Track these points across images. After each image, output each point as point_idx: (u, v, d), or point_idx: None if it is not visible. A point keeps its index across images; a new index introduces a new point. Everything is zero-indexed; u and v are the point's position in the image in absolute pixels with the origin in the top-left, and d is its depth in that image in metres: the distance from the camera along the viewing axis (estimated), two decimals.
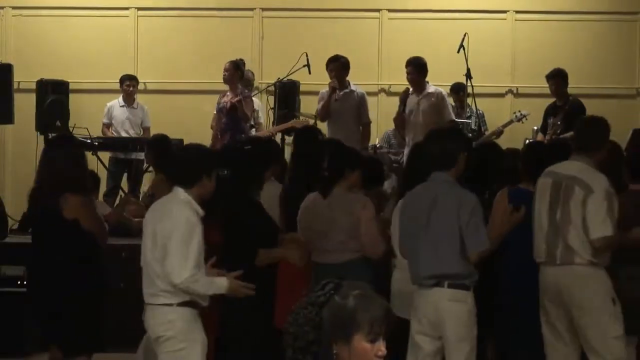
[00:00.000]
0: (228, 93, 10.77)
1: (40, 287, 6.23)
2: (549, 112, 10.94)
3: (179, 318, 5.38)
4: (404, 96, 10.50)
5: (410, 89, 10.53)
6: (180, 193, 5.49)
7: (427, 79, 10.56)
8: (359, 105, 10.61)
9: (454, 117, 10.82)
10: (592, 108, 11.00)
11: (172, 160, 5.96)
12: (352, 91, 10.64)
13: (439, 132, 6.29)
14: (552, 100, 11.02)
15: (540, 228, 6.08)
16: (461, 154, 5.84)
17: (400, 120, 10.54)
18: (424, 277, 5.70)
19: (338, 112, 10.44)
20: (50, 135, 11.48)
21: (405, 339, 5.86)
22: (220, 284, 5.38)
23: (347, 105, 10.53)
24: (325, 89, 10.66)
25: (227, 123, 10.67)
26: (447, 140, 5.92)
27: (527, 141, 11.40)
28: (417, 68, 10.42)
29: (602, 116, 6.38)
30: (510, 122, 11.15)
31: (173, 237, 5.31)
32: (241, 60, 11.03)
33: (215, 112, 10.93)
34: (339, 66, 10.55)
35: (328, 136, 10.22)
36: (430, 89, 10.49)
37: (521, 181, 6.56)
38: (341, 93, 10.54)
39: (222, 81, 10.88)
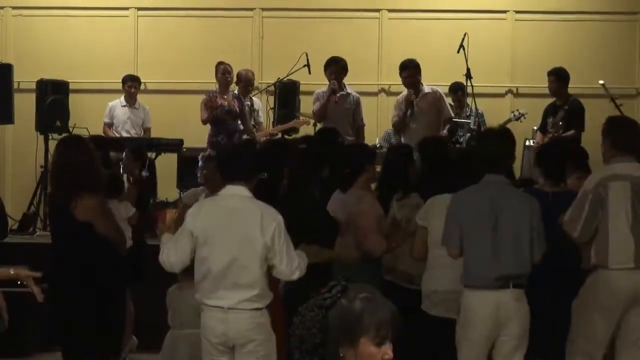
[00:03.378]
0: (221, 95, 10.73)
1: (56, 291, 6.14)
2: (549, 111, 10.94)
3: (267, 321, 5.47)
4: (409, 99, 10.36)
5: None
6: (244, 191, 5.51)
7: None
8: (355, 108, 10.63)
9: (452, 115, 10.82)
10: (592, 108, 11.02)
11: (228, 156, 5.77)
12: (348, 94, 10.65)
13: (493, 133, 6.26)
14: (551, 100, 11.02)
15: (619, 234, 5.98)
16: (513, 157, 5.95)
17: (404, 124, 10.44)
18: (494, 279, 5.66)
19: (334, 113, 10.44)
20: (51, 136, 11.51)
21: (438, 336, 5.96)
22: (302, 255, 5.57)
23: (342, 108, 10.53)
24: (320, 89, 10.65)
25: (235, 125, 10.68)
26: (503, 142, 5.92)
27: (529, 142, 11.43)
28: (413, 70, 10.40)
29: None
30: (509, 120, 11.14)
31: (278, 236, 5.40)
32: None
33: (205, 108, 10.78)
34: (339, 68, 10.54)
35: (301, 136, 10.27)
36: (426, 89, 10.48)
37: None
38: (338, 95, 10.55)
39: (223, 83, 10.80)
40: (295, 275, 5.44)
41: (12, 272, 5.13)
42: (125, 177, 8.93)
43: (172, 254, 5.59)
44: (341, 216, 6.41)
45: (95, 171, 6.09)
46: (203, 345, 5.57)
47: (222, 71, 10.84)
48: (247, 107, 11.00)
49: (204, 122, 10.72)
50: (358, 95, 10.81)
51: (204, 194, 7.84)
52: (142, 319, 8.29)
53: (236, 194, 5.52)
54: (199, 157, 8.56)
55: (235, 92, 11.07)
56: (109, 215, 6.18)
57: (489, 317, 5.67)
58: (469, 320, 5.74)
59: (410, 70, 10.41)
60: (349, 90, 10.68)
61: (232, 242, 5.42)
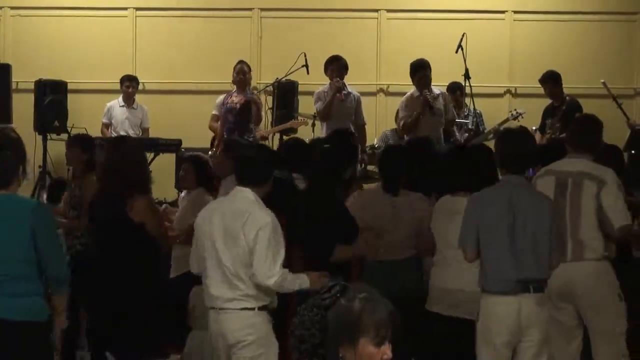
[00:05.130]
0: (235, 93, 10.72)
1: (103, 291, 6.13)
2: (548, 112, 10.95)
3: (261, 322, 5.42)
4: (426, 99, 10.18)
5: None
6: (249, 193, 5.52)
7: None
8: (356, 107, 10.60)
9: (456, 117, 10.78)
10: (590, 108, 10.99)
11: (243, 160, 5.78)
12: (349, 93, 10.61)
13: (513, 133, 6.11)
14: (550, 100, 11.04)
15: None
16: (534, 156, 5.89)
17: (417, 125, 10.21)
18: (515, 282, 5.53)
19: (337, 113, 10.41)
20: (49, 136, 11.51)
21: (444, 334, 5.98)
22: (303, 278, 5.42)
23: (344, 107, 10.50)
24: (321, 89, 10.62)
25: (235, 123, 10.66)
26: (524, 141, 5.83)
27: None
28: (430, 70, 10.27)
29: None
30: (507, 120, 11.14)
31: (261, 239, 5.36)
32: None
33: (214, 113, 10.88)
34: (340, 66, 10.50)
35: (324, 136, 10.23)
36: (436, 90, 10.41)
37: None
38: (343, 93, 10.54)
39: (236, 83, 10.74)
40: (270, 282, 5.34)
41: None
42: None
43: (191, 255, 5.74)
44: (409, 216, 6.46)
45: (145, 171, 6.11)
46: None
47: (238, 70, 10.76)
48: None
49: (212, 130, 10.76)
50: (358, 94, 10.80)
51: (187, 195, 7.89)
52: None
53: (240, 195, 5.56)
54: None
55: (250, 90, 10.96)
56: (159, 219, 6.20)
57: (510, 323, 5.56)
58: (489, 325, 5.61)
59: (425, 70, 10.27)
60: (349, 90, 10.66)
61: (220, 241, 5.48)
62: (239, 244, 5.43)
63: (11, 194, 5.11)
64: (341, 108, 10.42)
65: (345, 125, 10.03)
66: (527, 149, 5.78)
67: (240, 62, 10.81)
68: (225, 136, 10.43)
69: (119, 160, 6.12)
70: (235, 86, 10.75)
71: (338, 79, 10.42)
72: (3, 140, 5.39)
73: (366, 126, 10.80)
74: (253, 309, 5.42)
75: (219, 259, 5.48)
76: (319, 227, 6.02)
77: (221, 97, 10.86)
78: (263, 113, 11.41)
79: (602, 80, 11.19)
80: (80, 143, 7.68)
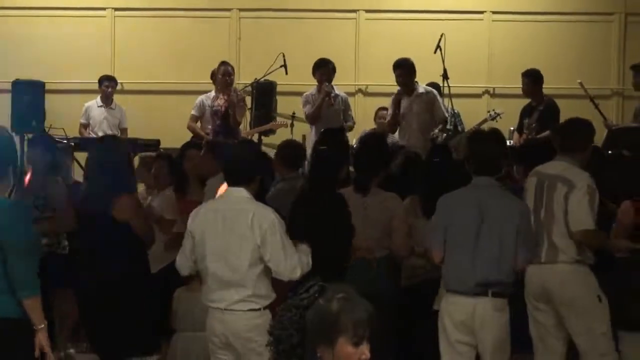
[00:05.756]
0: (219, 95, 10.70)
1: (91, 291, 6.11)
2: (525, 112, 10.96)
3: (266, 321, 5.37)
4: (397, 98, 10.37)
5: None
6: (243, 192, 5.51)
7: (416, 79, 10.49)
8: (345, 109, 10.63)
9: (447, 117, 10.77)
10: (568, 108, 11.05)
11: (235, 160, 5.74)
12: (337, 95, 10.64)
13: (484, 135, 6.18)
14: (528, 100, 11.06)
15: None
16: (505, 158, 5.89)
17: (395, 123, 10.41)
18: (473, 285, 5.59)
19: (326, 115, 10.42)
20: (27, 136, 11.44)
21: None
22: (305, 249, 5.55)
23: (333, 109, 10.52)
24: (308, 92, 10.63)
25: (221, 125, 10.66)
26: (494, 144, 5.86)
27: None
28: (406, 69, 10.31)
29: (586, 118, 6.49)
30: (485, 120, 11.16)
31: (273, 239, 5.37)
32: None
33: (193, 113, 10.86)
34: (329, 70, 10.53)
35: (313, 139, 10.27)
36: (421, 89, 10.42)
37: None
38: (332, 95, 10.55)
39: (221, 84, 10.72)
40: (297, 274, 5.39)
41: None
42: None
43: (179, 257, 5.69)
44: (379, 216, 6.42)
45: (131, 170, 6.08)
46: (209, 345, 5.62)
47: (222, 72, 10.73)
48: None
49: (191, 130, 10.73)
50: (346, 95, 10.82)
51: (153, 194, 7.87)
52: None
53: (235, 195, 5.54)
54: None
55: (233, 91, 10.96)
56: (143, 218, 6.18)
57: (460, 324, 5.64)
58: (445, 322, 5.72)
59: (401, 69, 10.35)
60: (337, 92, 10.68)
61: (224, 242, 5.44)
62: (246, 244, 5.40)
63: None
64: (330, 110, 10.45)
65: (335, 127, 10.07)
66: (497, 151, 5.81)
67: (224, 63, 10.78)
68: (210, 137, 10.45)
69: (103, 160, 6.10)
70: (217, 87, 10.74)
71: (327, 83, 10.43)
72: None
73: (352, 127, 10.78)
74: (259, 309, 5.43)
75: (223, 259, 5.44)
76: (318, 228, 5.98)
77: (201, 98, 10.84)
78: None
79: (579, 81, 11.23)
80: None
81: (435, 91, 10.62)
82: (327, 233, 5.97)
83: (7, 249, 4.86)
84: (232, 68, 10.78)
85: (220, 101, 10.65)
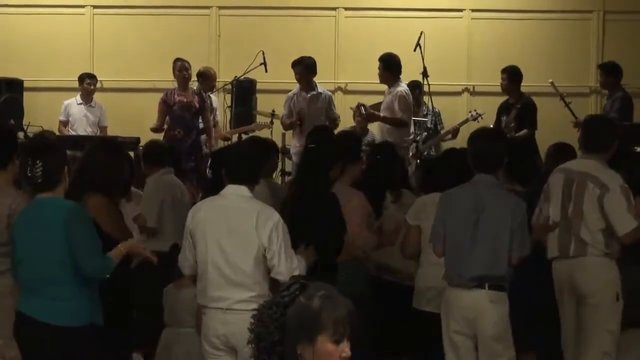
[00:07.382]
0: (179, 91, 10.71)
1: None
2: (502, 109, 10.97)
3: None
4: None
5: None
6: (244, 191, 5.48)
7: (400, 76, 10.43)
8: (328, 106, 10.64)
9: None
10: (547, 106, 11.12)
11: (236, 159, 5.68)
12: (319, 93, 10.64)
13: (485, 132, 6.26)
14: (506, 97, 11.08)
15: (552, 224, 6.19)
16: (505, 156, 5.92)
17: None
18: (468, 278, 5.70)
19: (309, 115, 10.42)
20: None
21: (431, 332, 5.99)
22: (301, 258, 5.54)
23: (315, 107, 10.53)
24: (291, 92, 10.68)
25: (193, 121, 10.69)
26: (495, 141, 5.94)
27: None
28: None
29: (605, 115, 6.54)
30: (466, 120, 11.21)
31: (278, 240, 5.35)
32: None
33: (162, 107, 10.79)
34: (302, 69, 10.53)
35: (297, 137, 10.30)
36: (398, 87, 10.40)
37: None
38: (309, 95, 10.55)
39: (180, 80, 10.76)
40: (295, 275, 5.36)
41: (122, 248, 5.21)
42: None
43: (180, 257, 5.64)
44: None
45: (111, 173, 6.01)
46: (203, 345, 5.50)
47: (179, 68, 10.81)
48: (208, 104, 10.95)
49: (154, 129, 10.70)
50: (329, 93, 10.85)
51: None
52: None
53: (236, 193, 5.49)
54: None
55: (195, 88, 11.03)
56: (115, 216, 6.13)
57: (459, 316, 5.73)
58: (444, 317, 5.83)
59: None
60: (320, 90, 10.69)
61: (226, 241, 5.39)
62: (251, 244, 5.36)
63: (57, 197, 5.12)
64: (312, 110, 10.46)
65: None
66: (497, 149, 5.87)
67: (179, 59, 10.83)
68: (179, 133, 10.45)
69: (87, 160, 6.08)
70: (177, 83, 10.75)
71: (299, 118, 10.42)
72: (41, 143, 5.35)
73: (338, 120, 10.78)
74: None
75: (225, 259, 5.39)
76: (310, 226, 5.94)
77: (173, 94, 10.79)
78: (221, 112, 11.47)
79: (550, 80, 11.27)
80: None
81: (404, 91, 10.42)
82: (319, 233, 5.93)
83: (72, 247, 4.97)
84: (189, 64, 10.82)
85: (184, 97, 10.67)
